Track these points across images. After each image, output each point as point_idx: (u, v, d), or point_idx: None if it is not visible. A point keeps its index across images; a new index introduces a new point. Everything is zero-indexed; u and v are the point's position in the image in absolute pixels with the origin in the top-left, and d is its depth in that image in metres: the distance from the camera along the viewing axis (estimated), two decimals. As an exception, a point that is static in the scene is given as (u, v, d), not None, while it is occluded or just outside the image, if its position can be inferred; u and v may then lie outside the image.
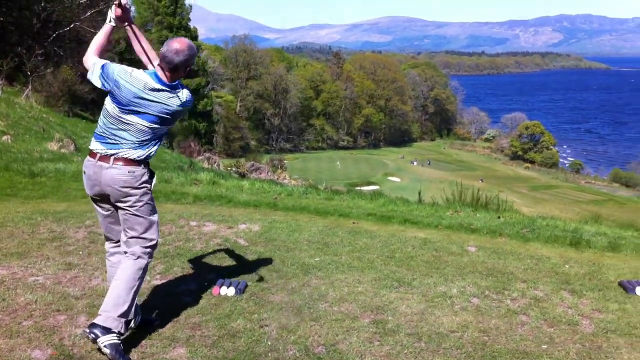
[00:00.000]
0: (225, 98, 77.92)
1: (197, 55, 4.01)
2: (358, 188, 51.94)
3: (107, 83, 3.67)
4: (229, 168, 22.96)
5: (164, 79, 3.72)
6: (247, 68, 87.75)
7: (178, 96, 3.76)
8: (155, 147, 3.85)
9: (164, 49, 3.73)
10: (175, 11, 48.07)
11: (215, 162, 24.50)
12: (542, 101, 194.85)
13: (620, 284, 5.34)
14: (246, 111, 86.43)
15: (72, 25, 21.43)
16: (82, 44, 21.97)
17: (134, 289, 3.75)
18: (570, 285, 5.31)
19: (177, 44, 3.70)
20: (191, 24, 52.00)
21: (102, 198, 3.85)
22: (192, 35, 51.36)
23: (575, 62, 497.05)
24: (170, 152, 22.29)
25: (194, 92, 48.59)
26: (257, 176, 22.89)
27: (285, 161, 43.46)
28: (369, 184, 59.82)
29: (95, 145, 3.76)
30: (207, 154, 25.57)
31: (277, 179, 23.39)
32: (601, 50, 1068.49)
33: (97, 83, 3.73)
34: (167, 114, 3.74)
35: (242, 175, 21.31)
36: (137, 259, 3.82)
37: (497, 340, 4.14)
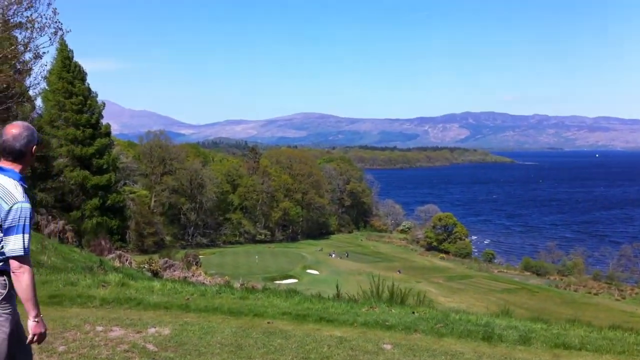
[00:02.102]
0: (139, 193, 76.50)
1: (36, 133, 3.63)
2: (277, 282, 51.49)
3: None
4: (141, 265, 22.22)
5: (9, 167, 3.50)
6: (162, 163, 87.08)
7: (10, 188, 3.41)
8: None
9: None
10: (82, 109, 47.41)
11: (127, 260, 23.69)
12: (452, 194, 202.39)
13: (532, 378, 5.40)
14: (161, 206, 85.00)
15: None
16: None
17: None
18: (484, 382, 5.32)
19: (13, 129, 3.50)
20: (104, 121, 51.32)
21: None
22: (104, 132, 50.65)
23: (482, 156, 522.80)
24: (79, 250, 21.40)
25: (104, 187, 47.51)
26: (171, 273, 22.25)
27: (200, 257, 42.62)
28: (287, 277, 59.34)
29: None
30: (118, 252, 24.70)
31: (192, 275, 22.79)
32: (505, 145, 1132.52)
33: None
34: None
35: (155, 273, 20.65)
36: None
37: None
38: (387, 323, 7.30)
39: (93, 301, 7.92)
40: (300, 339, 6.50)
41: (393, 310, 8.21)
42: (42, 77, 24.08)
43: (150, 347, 5.98)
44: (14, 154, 3.48)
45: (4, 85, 18.33)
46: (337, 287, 12.83)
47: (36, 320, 3.43)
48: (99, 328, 6.57)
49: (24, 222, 3.40)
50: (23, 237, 3.37)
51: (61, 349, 5.73)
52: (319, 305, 8.43)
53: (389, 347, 6.34)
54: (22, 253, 3.36)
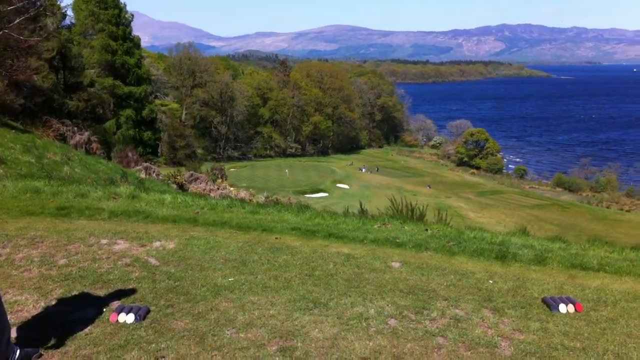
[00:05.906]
0: (170, 106, 76.67)
1: None
2: (307, 195, 51.92)
3: None
4: (167, 178, 22.33)
5: None
6: (192, 76, 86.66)
7: None
8: None
9: None
10: (118, 20, 47.06)
11: (154, 172, 23.84)
12: (484, 109, 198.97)
13: (544, 301, 5.14)
14: (192, 119, 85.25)
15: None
16: (10, 52, 21.10)
17: None
18: (492, 303, 5.08)
19: None
20: (134, 33, 50.93)
21: None
22: (136, 43, 50.31)
23: (517, 70, 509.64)
24: (105, 162, 21.51)
25: (138, 100, 47.58)
26: (197, 186, 22.36)
27: (231, 169, 42.84)
28: (317, 191, 59.74)
29: None
30: (145, 164, 24.84)
31: (217, 188, 22.91)
32: (542, 59, 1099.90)
33: None
34: None
35: (181, 186, 20.77)
36: None
37: (409, 367, 3.87)
38: (397, 240, 7.07)
39: (101, 213, 7.82)
40: (306, 255, 6.32)
41: (406, 228, 7.96)
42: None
43: (152, 261, 5.87)
44: None
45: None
46: (360, 204, 12.64)
47: None
48: (104, 241, 6.47)
49: None
50: None
51: (62, 262, 5.64)
52: (330, 221, 8.22)
53: (397, 265, 6.14)
54: None
